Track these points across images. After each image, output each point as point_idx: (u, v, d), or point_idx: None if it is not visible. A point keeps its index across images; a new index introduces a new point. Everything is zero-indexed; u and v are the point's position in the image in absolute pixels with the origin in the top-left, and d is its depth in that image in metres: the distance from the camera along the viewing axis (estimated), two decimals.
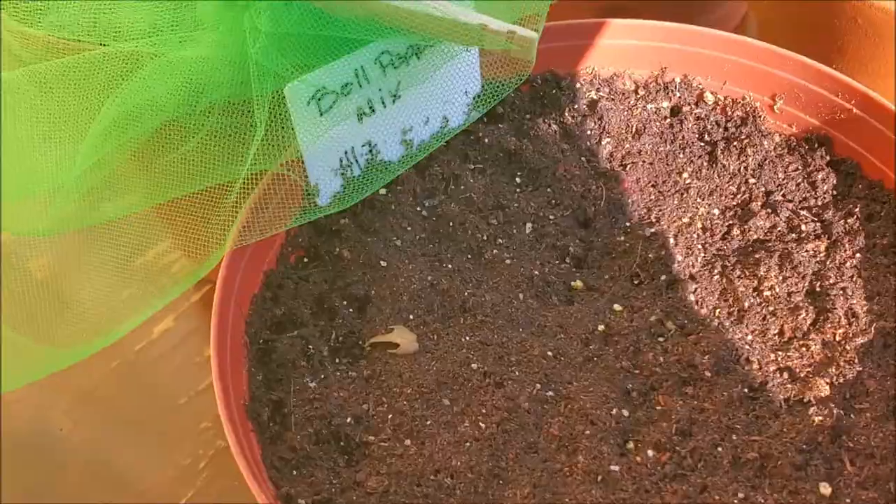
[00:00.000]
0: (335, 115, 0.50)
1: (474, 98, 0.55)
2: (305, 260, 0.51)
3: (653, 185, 0.54)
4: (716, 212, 0.52)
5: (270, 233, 0.48)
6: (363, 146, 0.52)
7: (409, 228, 0.52)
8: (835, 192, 0.51)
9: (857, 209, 0.50)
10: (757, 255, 0.49)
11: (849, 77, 0.56)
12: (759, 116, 0.54)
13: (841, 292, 0.46)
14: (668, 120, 0.55)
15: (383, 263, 0.50)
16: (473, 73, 0.54)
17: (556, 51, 0.57)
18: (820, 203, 0.51)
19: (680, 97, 0.56)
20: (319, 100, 0.48)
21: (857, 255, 0.48)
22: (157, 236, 0.54)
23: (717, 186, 0.53)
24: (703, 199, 0.52)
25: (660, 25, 0.55)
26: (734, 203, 0.52)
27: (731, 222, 0.51)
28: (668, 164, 0.54)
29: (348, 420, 0.43)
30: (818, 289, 0.47)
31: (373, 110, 0.51)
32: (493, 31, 0.46)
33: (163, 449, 0.65)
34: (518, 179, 0.54)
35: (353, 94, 0.49)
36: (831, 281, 0.47)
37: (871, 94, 0.50)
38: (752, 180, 0.53)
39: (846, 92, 0.51)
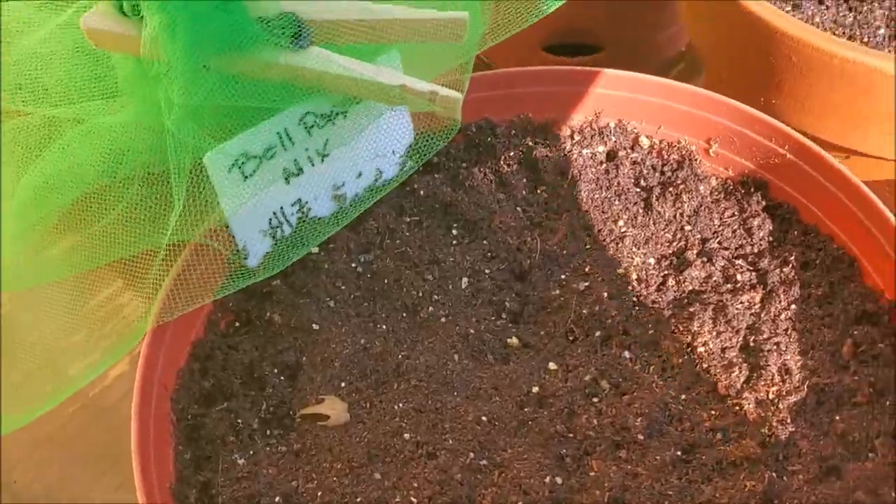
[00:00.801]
0: (260, 179, 0.49)
1: (408, 149, 0.54)
2: (237, 324, 0.51)
3: (588, 234, 0.53)
4: (651, 261, 0.51)
5: (196, 305, 0.47)
6: (293, 205, 0.51)
7: (342, 287, 0.51)
8: (771, 239, 0.51)
9: (793, 257, 0.49)
10: (692, 309, 0.48)
11: (787, 114, 0.56)
12: (695, 160, 0.54)
13: (775, 347, 0.46)
14: (604, 165, 0.55)
15: (315, 327, 0.49)
16: (405, 125, 0.53)
17: (492, 99, 0.56)
18: (756, 250, 0.51)
19: (615, 142, 0.55)
20: (242, 165, 0.47)
21: (793, 306, 0.48)
22: (106, 279, 0.53)
23: (652, 234, 0.52)
24: (639, 248, 0.52)
25: (593, 72, 0.55)
26: (670, 251, 0.51)
27: (666, 272, 0.51)
28: (603, 212, 0.54)
29: (277, 499, 0.43)
30: (752, 343, 0.46)
31: (301, 170, 0.50)
32: (414, 91, 0.45)
33: (127, 491, 0.65)
34: (454, 231, 0.54)
35: (277, 157, 0.49)
36: (765, 335, 0.47)
37: (803, 140, 0.49)
38: (687, 227, 0.52)
39: (779, 137, 0.50)
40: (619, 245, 0.52)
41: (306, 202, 0.51)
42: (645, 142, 0.55)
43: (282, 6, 0.46)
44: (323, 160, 0.51)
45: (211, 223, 0.48)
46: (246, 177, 0.48)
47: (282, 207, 0.51)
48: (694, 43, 0.63)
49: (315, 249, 0.52)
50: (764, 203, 0.52)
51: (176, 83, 0.43)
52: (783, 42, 0.54)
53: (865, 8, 0.59)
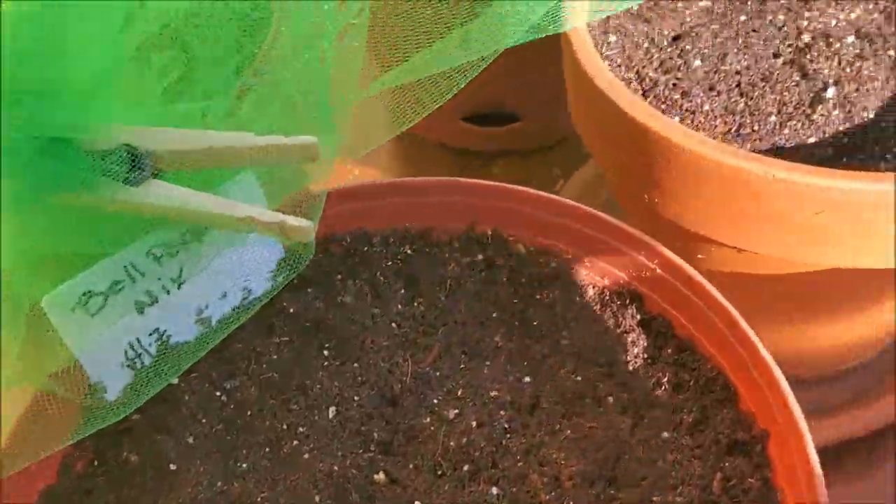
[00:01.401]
0: (109, 314, 0.46)
1: (277, 264, 0.52)
2: (96, 463, 0.48)
3: (464, 352, 0.51)
4: (527, 379, 0.50)
5: (46, 453, 0.45)
6: (150, 335, 0.49)
7: (203, 421, 0.49)
8: (645, 356, 0.49)
9: (666, 378, 0.48)
10: (564, 434, 0.47)
11: (670, 210, 0.55)
12: (572, 270, 0.52)
13: (643, 481, 0.44)
14: (483, 274, 0.53)
15: (173, 467, 0.47)
16: (271, 240, 0.52)
17: (369, 208, 0.55)
18: (630, 369, 0.49)
19: (493, 250, 0.54)
20: (86, 304, 0.45)
21: (664, 433, 0.46)
22: None
23: (528, 348, 0.51)
24: (514, 366, 0.50)
25: (471, 182, 0.53)
26: (541, 368, 0.50)
27: (539, 392, 0.49)
28: (480, 325, 0.52)
29: None
30: (620, 477, 0.45)
31: (156, 299, 0.48)
32: (261, 222, 0.43)
33: None
34: (326, 352, 0.52)
35: (126, 290, 0.46)
36: (634, 467, 0.45)
37: (670, 255, 0.48)
38: (563, 342, 0.51)
39: (647, 251, 0.49)
40: (494, 362, 0.50)
41: (165, 330, 0.49)
42: (522, 250, 0.53)
43: (121, 138, 0.44)
44: (180, 287, 0.49)
45: (58, 364, 0.46)
46: (92, 314, 0.46)
47: (138, 339, 0.49)
48: (580, 133, 0.61)
49: (176, 379, 0.50)
50: (639, 317, 0.50)
51: (3, 227, 0.41)
52: (657, 143, 0.53)
53: (757, 94, 0.58)
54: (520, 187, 0.52)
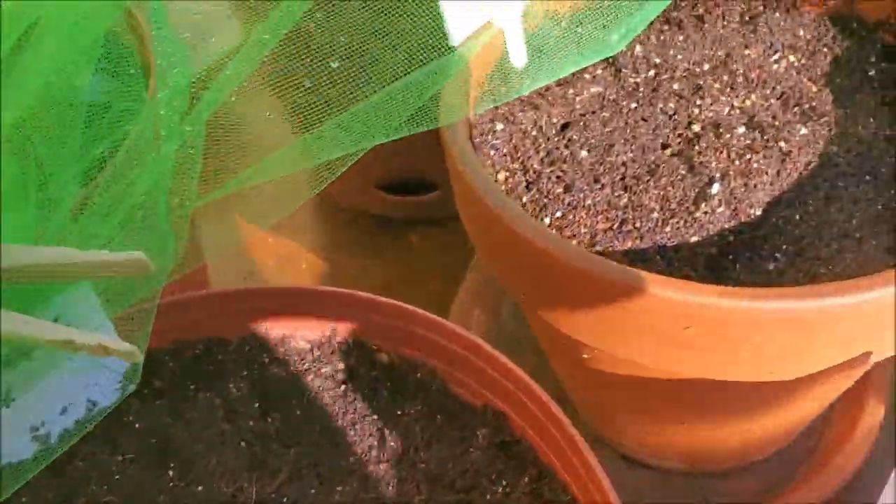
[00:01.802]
0: None
1: (124, 374, 0.49)
2: None
3: (316, 474, 0.48)
4: None
5: None
6: None
7: None
8: (504, 483, 0.46)
9: None
10: None
11: (549, 316, 0.52)
12: (435, 385, 0.49)
13: None
14: (342, 387, 0.50)
15: None
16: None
17: (225, 314, 0.52)
18: (487, 497, 0.46)
19: (354, 360, 0.51)
20: None
21: None
22: None
23: (384, 473, 0.47)
24: (367, 492, 0.47)
25: (332, 291, 0.50)
26: (395, 493, 0.47)
27: None
28: (335, 444, 0.49)
29: None
30: None
31: None
32: (82, 345, 0.40)
33: None
34: (171, 472, 0.48)
35: None
36: None
37: (527, 379, 0.45)
38: (420, 465, 0.47)
39: (507, 374, 0.46)
40: (346, 487, 0.47)
41: None
42: (385, 360, 0.50)
43: None
44: (10, 405, 0.46)
45: None
46: None
47: None
48: (466, 228, 0.59)
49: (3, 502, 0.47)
50: (499, 439, 0.47)
51: None
52: (527, 248, 0.50)
53: (640, 188, 0.55)
54: (383, 299, 0.49)
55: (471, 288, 0.75)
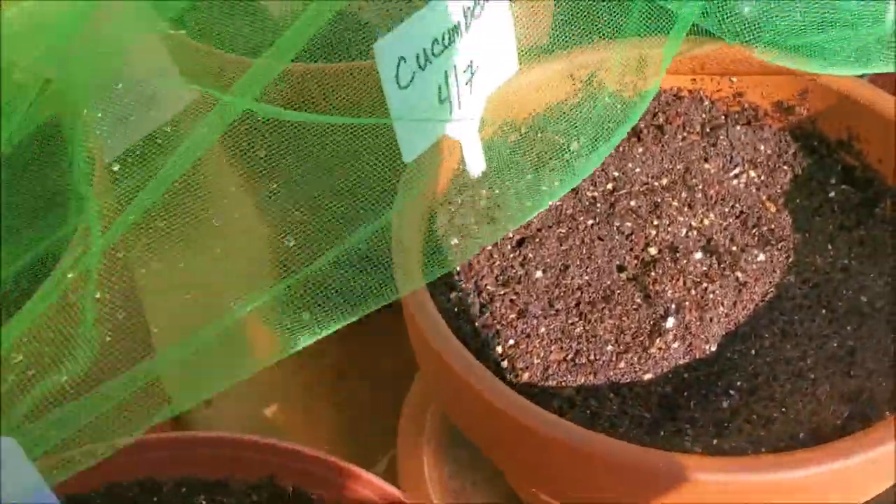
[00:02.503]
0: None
1: None
2: None
3: None
4: None
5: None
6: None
7: None
8: None
9: None
10: None
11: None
12: None
13: None
14: None
15: None
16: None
17: (159, 458, 0.50)
18: None
19: None
20: None
21: None
22: None
23: None
24: None
25: (268, 443, 0.49)
26: None
27: None
28: None
29: None
30: None
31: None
32: None
33: None
34: None
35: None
36: None
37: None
38: None
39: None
40: None
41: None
42: None
43: None
44: None
45: None
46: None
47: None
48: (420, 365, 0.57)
49: None
50: None
51: None
52: (476, 398, 0.48)
53: (595, 316, 0.54)
54: (319, 453, 0.47)
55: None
